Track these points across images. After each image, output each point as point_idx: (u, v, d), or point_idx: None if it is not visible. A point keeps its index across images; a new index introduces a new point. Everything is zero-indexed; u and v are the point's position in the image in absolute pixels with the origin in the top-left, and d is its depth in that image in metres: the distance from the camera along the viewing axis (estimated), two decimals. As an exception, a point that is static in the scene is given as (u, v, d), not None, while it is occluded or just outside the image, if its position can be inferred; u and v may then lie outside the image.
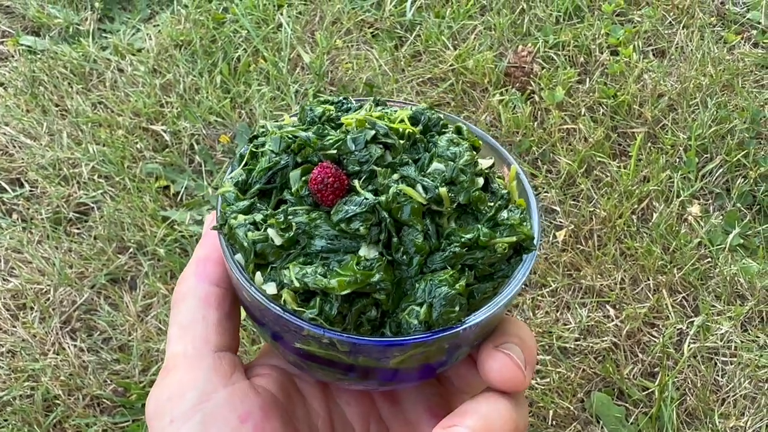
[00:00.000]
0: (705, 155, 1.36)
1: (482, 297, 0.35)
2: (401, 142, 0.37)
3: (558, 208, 1.28)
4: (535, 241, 0.36)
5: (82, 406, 1.07)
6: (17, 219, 1.27)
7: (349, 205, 0.34)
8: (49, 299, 1.17)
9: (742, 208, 1.30)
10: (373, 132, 0.36)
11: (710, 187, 1.33)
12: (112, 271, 1.20)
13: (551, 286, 1.19)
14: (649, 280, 1.20)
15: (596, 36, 1.52)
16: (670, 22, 1.56)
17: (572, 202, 1.29)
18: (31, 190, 1.30)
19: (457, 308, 0.33)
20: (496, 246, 0.35)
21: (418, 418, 0.40)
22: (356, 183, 0.35)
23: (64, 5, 1.59)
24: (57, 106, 1.41)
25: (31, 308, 1.17)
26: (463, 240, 0.35)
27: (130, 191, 1.28)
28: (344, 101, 0.40)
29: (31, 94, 1.42)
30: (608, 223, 1.25)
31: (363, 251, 0.34)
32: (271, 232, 0.34)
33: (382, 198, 0.34)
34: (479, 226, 0.35)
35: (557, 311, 1.18)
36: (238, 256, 0.35)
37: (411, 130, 0.37)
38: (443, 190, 0.35)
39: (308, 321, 0.33)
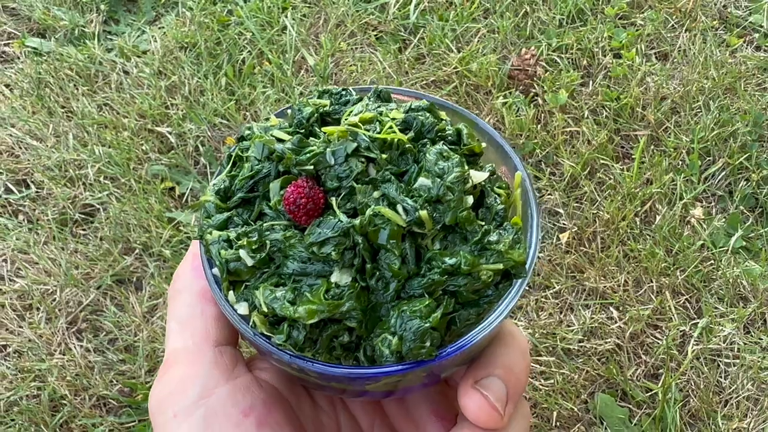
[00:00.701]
0: (708, 158, 1.37)
1: (465, 324, 0.33)
2: (383, 156, 0.34)
3: (561, 210, 1.29)
4: (527, 266, 0.34)
5: (89, 406, 1.07)
6: (23, 220, 1.28)
7: (322, 228, 0.32)
8: (55, 300, 1.18)
9: (745, 211, 1.31)
10: (354, 145, 0.34)
11: (713, 189, 1.33)
12: (118, 272, 1.21)
13: (555, 287, 1.20)
14: (652, 282, 1.21)
15: (599, 39, 1.52)
16: (673, 25, 1.57)
17: (576, 205, 1.30)
18: (37, 191, 1.31)
19: (428, 343, 0.32)
20: (480, 273, 0.33)
21: (423, 419, 0.40)
22: (333, 201, 0.33)
23: (70, 7, 1.59)
24: (63, 107, 1.42)
25: (38, 309, 1.17)
26: (443, 267, 0.32)
27: (135, 193, 1.29)
28: (344, 93, 0.38)
29: (37, 95, 1.43)
30: (611, 225, 1.26)
31: (335, 277, 0.32)
32: (242, 253, 0.33)
33: (357, 221, 0.32)
34: (462, 251, 0.33)
35: (561, 313, 1.19)
36: (215, 270, 0.34)
37: (400, 139, 0.34)
38: (424, 213, 0.32)
39: (275, 346, 0.32)
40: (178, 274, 0.39)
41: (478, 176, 0.35)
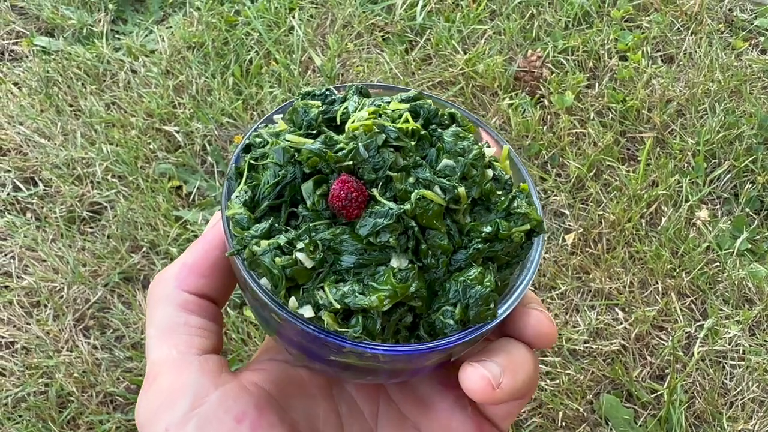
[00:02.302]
0: (713, 160, 1.37)
1: (503, 284, 0.36)
2: (411, 143, 0.36)
3: (567, 212, 1.29)
4: (543, 224, 0.37)
5: (96, 403, 1.08)
6: (31, 217, 1.28)
7: (374, 218, 0.34)
8: (62, 297, 1.19)
9: (750, 213, 1.31)
10: (383, 136, 0.35)
11: (718, 192, 1.34)
12: (125, 269, 1.21)
13: (561, 288, 1.20)
14: (657, 283, 1.21)
15: (605, 41, 1.53)
16: (679, 28, 1.57)
17: (581, 206, 1.30)
18: (45, 189, 1.32)
19: (491, 305, 0.34)
20: (513, 236, 0.36)
21: (430, 392, 0.39)
22: (375, 192, 0.34)
23: (78, 6, 1.60)
24: (71, 106, 1.43)
25: (45, 306, 1.18)
26: (483, 235, 0.35)
27: (143, 191, 1.29)
28: (327, 93, 0.39)
29: (46, 94, 1.44)
30: (617, 226, 1.26)
31: (395, 262, 0.34)
32: (301, 256, 0.33)
33: (407, 206, 0.34)
34: (496, 218, 0.36)
35: (566, 314, 1.19)
36: (264, 281, 0.34)
37: (415, 127, 0.36)
38: (461, 190, 0.35)
39: (353, 340, 0.33)
40: (159, 281, 0.38)
41: (489, 152, 0.38)
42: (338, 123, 0.37)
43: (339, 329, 0.33)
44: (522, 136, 1.38)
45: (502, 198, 0.37)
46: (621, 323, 1.18)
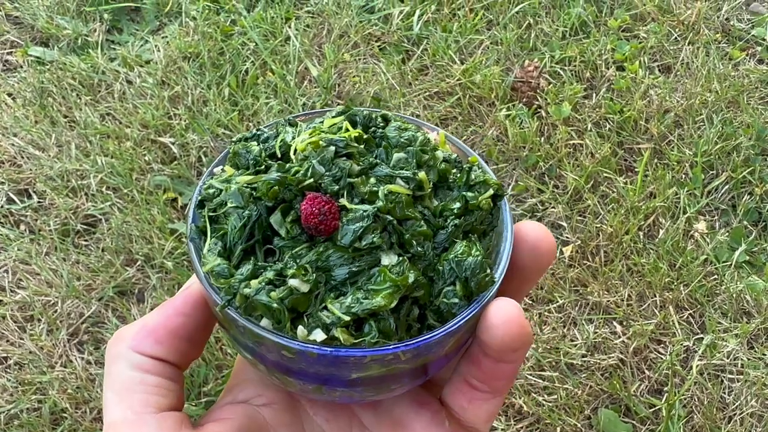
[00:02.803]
0: (711, 172, 1.37)
1: (487, 252, 0.37)
2: (361, 147, 0.37)
3: (565, 224, 1.29)
4: (503, 187, 0.39)
5: (90, 419, 1.07)
6: (25, 230, 1.27)
7: (351, 224, 0.34)
8: (56, 311, 1.18)
9: (748, 225, 1.30)
10: (333, 149, 0.36)
11: (716, 203, 1.33)
12: (119, 283, 1.20)
13: (558, 301, 1.20)
14: (655, 296, 1.21)
15: (602, 51, 1.52)
16: (676, 38, 1.57)
17: (579, 218, 1.30)
18: (39, 202, 1.31)
19: (488, 270, 0.35)
20: (482, 204, 0.37)
21: (406, 411, 0.39)
22: (344, 201, 0.35)
23: (73, 16, 1.59)
24: (65, 117, 1.42)
25: (39, 320, 1.17)
26: (456, 211, 0.36)
27: (138, 203, 1.28)
28: (259, 133, 0.39)
29: (40, 104, 1.43)
30: (615, 239, 1.26)
31: (385, 260, 0.34)
32: (295, 282, 0.33)
33: (379, 204, 0.34)
34: (459, 193, 0.37)
35: (564, 327, 1.18)
36: (264, 322, 0.34)
37: (358, 133, 0.37)
38: (422, 174, 0.36)
39: (372, 347, 0.33)
40: (116, 339, 0.37)
41: (432, 136, 0.40)
42: (279, 156, 0.37)
43: (355, 341, 0.33)
44: (519, 147, 1.37)
45: (459, 174, 0.38)
46: (619, 337, 1.17)
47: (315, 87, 1.47)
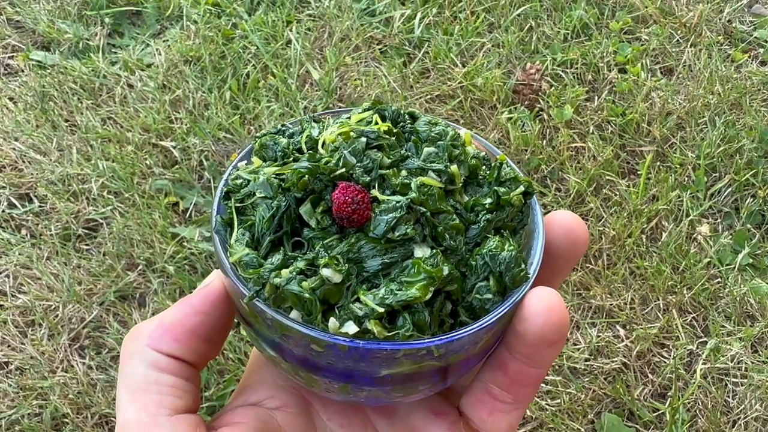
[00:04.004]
0: (714, 174, 1.36)
1: (521, 249, 0.36)
2: (392, 139, 0.36)
3: (567, 227, 1.28)
4: (533, 185, 0.38)
5: (91, 424, 1.06)
6: (26, 235, 1.27)
7: (384, 215, 0.33)
8: (57, 316, 1.17)
9: (752, 228, 1.30)
10: (364, 139, 0.35)
11: (719, 206, 1.33)
12: (121, 288, 1.20)
13: (561, 305, 1.19)
14: (659, 300, 1.20)
15: (604, 54, 1.52)
16: (678, 40, 1.57)
17: (581, 221, 1.29)
18: (40, 206, 1.31)
19: (522, 265, 0.34)
20: (513, 200, 0.36)
21: (421, 420, 0.38)
22: (375, 192, 0.34)
23: (74, 20, 1.59)
24: (66, 121, 1.42)
25: (40, 325, 1.17)
26: (487, 206, 0.36)
27: (139, 207, 1.28)
28: (284, 129, 0.39)
29: (41, 109, 1.43)
30: (618, 242, 1.25)
31: (418, 252, 0.34)
32: (327, 272, 0.32)
33: (413, 195, 0.34)
34: (492, 189, 0.37)
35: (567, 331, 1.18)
36: (294, 314, 0.33)
37: (388, 127, 0.37)
38: (454, 168, 0.36)
39: (406, 340, 0.32)
40: (133, 336, 0.36)
41: (462, 132, 0.39)
42: (305, 150, 0.37)
43: (389, 335, 0.32)
44: (521, 150, 1.37)
45: (489, 171, 0.38)
46: (622, 341, 1.16)
47: (316, 90, 1.47)
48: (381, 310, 0.32)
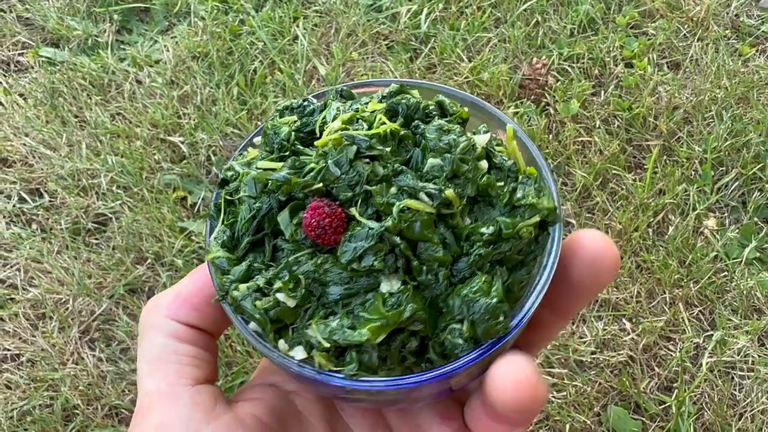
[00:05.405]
0: (721, 168, 1.36)
1: (520, 287, 0.32)
2: (386, 149, 0.32)
3: (574, 221, 1.29)
4: (557, 210, 0.33)
5: (101, 416, 1.08)
6: (37, 229, 1.29)
7: (354, 241, 0.31)
8: (68, 309, 1.19)
9: (759, 222, 1.30)
10: (354, 148, 0.32)
11: (726, 200, 1.33)
12: (130, 281, 1.21)
13: (567, 299, 1.19)
14: (665, 293, 1.20)
15: (611, 48, 1.52)
16: (685, 34, 1.57)
17: (588, 215, 1.29)
18: (50, 201, 1.32)
19: (501, 318, 0.30)
20: (521, 232, 0.32)
21: (428, 422, 0.38)
22: (354, 211, 0.31)
23: (83, 17, 1.61)
24: (76, 117, 1.43)
25: (51, 318, 1.18)
26: (485, 238, 0.31)
27: (148, 202, 1.29)
28: (305, 104, 0.36)
29: (51, 105, 1.44)
30: (624, 236, 1.25)
31: (385, 286, 0.31)
32: (281, 296, 0.31)
33: (388, 222, 0.30)
34: (497, 216, 0.32)
35: (573, 324, 1.18)
36: (252, 325, 0.32)
37: (394, 129, 0.33)
38: (450, 192, 0.31)
39: (350, 378, 0.30)
40: (151, 308, 0.36)
41: (481, 140, 0.34)
42: (319, 136, 0.34)
43: (333, 369, 0.30)
44: (527, 145, 1.37)
45: (505, 190, 0.33)
46: (628, 334, 1.17)
47: (323, 86, 1.48)
48: (326, 345, 0.30)
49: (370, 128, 0.33)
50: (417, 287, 0.31)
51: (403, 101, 0.34)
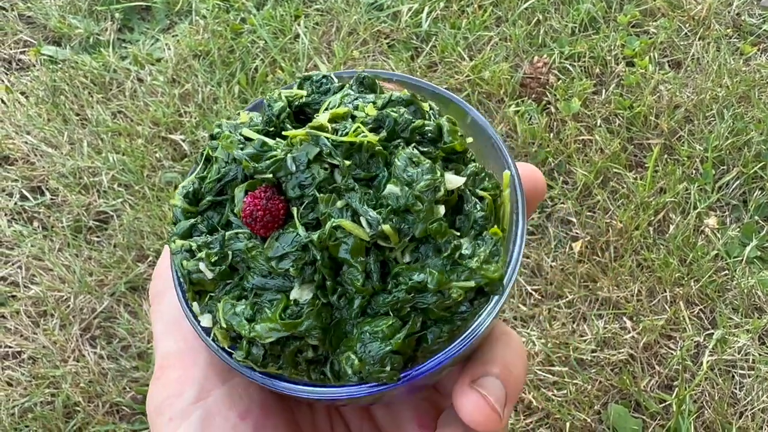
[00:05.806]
0: (722, 167, 1.36)
1: (436, 341, 0.31)
2: (347, 163, 0.31)
3: (574, 219, 1.29)
4: (504, 282, 0.31)
5: (102, 413, 1.08)
6: (38, 227, 1.29)
7: (281, 242, 0.31)
8: (69, 306, 1.19)
9: (760, 221, 1.30)
10: (316, 150, 0.32)
11: (727, 199, 1.32)
12: (131, 279, 1.21)
13: (568, 297, 1.20)
14: (666, 292, 1.20)
15: (612, 47, 1.52)
16: (686, 33, 1.56)
17: (588, 214, 1.29)
18: (52, 198, 1.32)
19: (387, 368, 0.30)
20: (450, 291, 0.30)
21: (406, 424, 0.38)
22: (295, 211, 0.31)
23: (85, 15, 1.61)
24: (77, 115, 1.43)
25: (52, 315, 1.18)
26: (410, 284, 0.30)
27: (149, 200, 1.29)
28: (324, 80, 0.36)
29: (53, 103, 1.44)
30: (625, 234, 1.25)
31: (295, 293, 0.31)
32: (201, 265, 0.32)
33: (315, 236, 0.30)
34: (431, 268, 0.30)
35: (574, 322, 1.18)
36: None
37: (370, 141, 0.32)
38: (387, 227, 0.30)
39: (237, 362, 0.31)
40: (158, 274, 0.37)
41: (454, 181, 0.32)
42: (320, 115, 0.34)
43: (227, 348, 0.32)
44: (528, 144, 1.37)
45: (453, 243, 0.31)
46: (629, 332, 1.17)
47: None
48: (224, 325, 0.31)
49: (347, 134, 0.32)
50: (327, 305, 0.31)
51: (394, 115, 0.33)
